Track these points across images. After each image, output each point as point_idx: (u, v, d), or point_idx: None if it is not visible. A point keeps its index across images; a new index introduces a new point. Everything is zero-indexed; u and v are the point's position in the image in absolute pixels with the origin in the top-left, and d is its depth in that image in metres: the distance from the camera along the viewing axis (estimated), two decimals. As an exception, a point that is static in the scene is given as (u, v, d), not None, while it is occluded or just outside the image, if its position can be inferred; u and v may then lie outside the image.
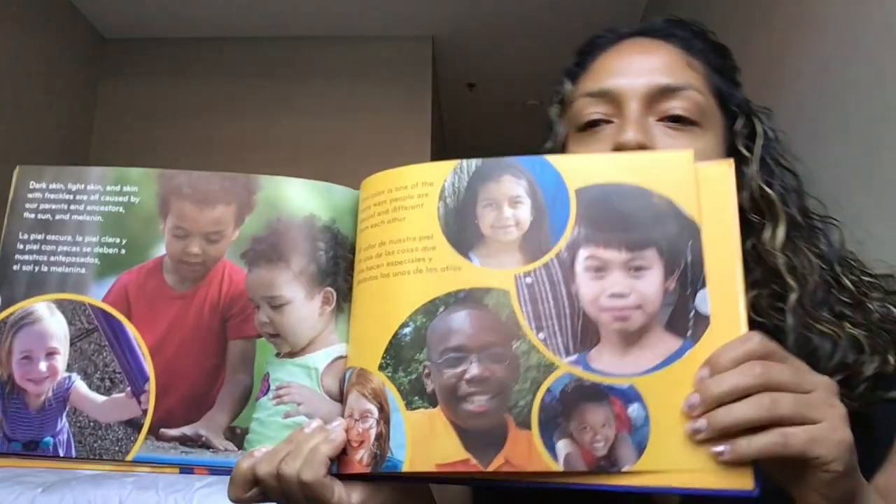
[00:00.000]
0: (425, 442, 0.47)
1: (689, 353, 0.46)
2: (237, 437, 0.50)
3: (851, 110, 1.65)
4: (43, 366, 0.51)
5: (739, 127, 0.65)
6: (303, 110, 3.79)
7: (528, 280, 0.49)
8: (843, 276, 0.61)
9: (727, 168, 0.49)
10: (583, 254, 0.48)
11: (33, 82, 3.45)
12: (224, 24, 3.82)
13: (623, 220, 0.48)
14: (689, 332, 0.46)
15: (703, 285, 0.47)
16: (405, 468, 0.47)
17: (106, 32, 3.92)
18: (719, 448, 0.42)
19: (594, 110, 0.64)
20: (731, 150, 0.64)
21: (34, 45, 3.44)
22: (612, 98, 0.63)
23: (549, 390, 0.47)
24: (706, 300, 0.47)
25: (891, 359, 0.55)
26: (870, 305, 0.58)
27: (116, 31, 3.90)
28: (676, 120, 0.61)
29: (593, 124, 0.64)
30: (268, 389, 0.51)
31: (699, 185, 0.48)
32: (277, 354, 0.51)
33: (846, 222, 0.67)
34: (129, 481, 1.92)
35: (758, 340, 0.44)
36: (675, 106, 0.61)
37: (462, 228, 0.50)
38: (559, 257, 0.49)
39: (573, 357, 0.47)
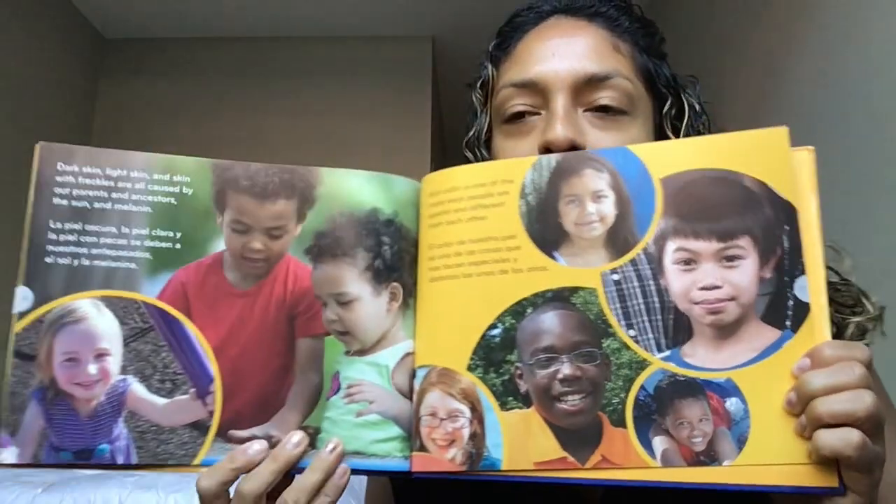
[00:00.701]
0: (522, 441, 0.47)
1: (789, 343, 0.44)
2: (309, 436, 0.48)
3: (852, 109, 1.65)
4: (93, 368, 0.47)
5: (667, 108, 0.63)
6: (303, 110, 3.77)
7: (616, 277, 0.48)
8: None
9: (808, 154, 0.47)
10: (671, 246, 0.47)
11: (33, 82, 3.41)
12: (224, 24, 3.79)
13: (713, 208, 0.46)
14: (788, 322, 0.44)
15: (803, 272, 0.45)
16: (504, 466, 0.47)
17: (106, 32, 3.87)
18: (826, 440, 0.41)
19: (519, 101, 0.61)
20: (659, 133, 0.62)
21: (34, 45, 3.40)
22: (537, 89, 0.60)
23: (642, 387, 0.46)
24: (805, 287, 0.44)
25: None
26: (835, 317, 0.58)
27: (116, 31, 3.86)
28: (605, 110, 0.59)
29: (519, 116, 0.61)
30: (338, 388, 0.49)
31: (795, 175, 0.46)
32: (347, 352, 0.50)
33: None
34: (130, 481, 1.90)
35: (863, 351, 0.42)
36: (603, 96, 0.59)
37: (545, 227, 0.49)
38: (646, 251, 0.47)
39: (666, 353, 0.46)
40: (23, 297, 0.47)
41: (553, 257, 0.49)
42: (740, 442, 0.44)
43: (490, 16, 3.61)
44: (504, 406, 0.48)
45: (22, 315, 0.47)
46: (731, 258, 0.46)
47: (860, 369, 0.41)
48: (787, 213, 0.45)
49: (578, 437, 0.46)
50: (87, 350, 0.47)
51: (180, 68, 3.93)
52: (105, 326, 0.48)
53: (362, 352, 0.50)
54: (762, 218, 0.46)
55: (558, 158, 0.50)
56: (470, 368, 0.48)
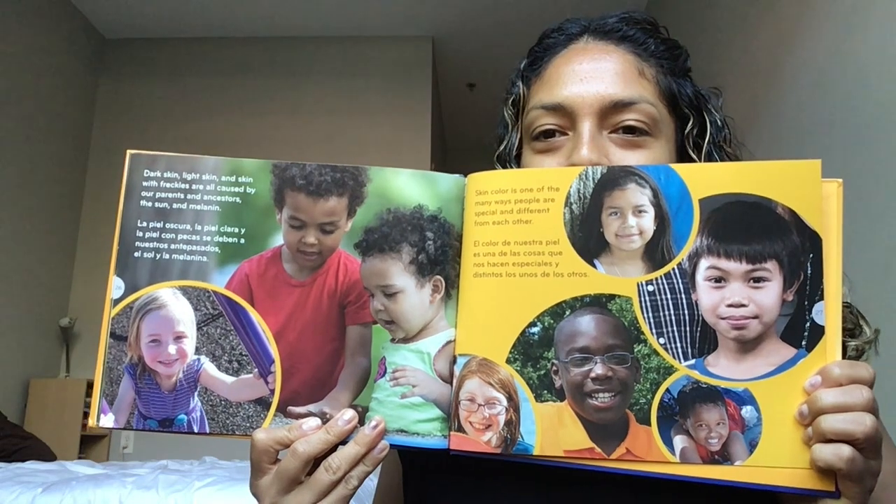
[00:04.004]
0: (554, 431, 0.52)
1: (803, 361, 0.49)
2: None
3: (852, 109, 1.68)
4: (172, 349, 0.54)
5: (689, 128, 0.66)
6: (303, 110, 3.79)
7: (650, 288, 0.52)
8: None
9: (836, 188, 0.51)
10: (704, 264, 0.51)
11: (33, 82, 3.43)
12: (224, 24, 3.81)
13: (745, 232, 0.50)
14: (804, 343, 0.49)
15: (821, 297, 0.50)
16: (536, 452, 0.52)
17: (106, 32, 3.90)
18: (827, 452, 0.46)
19: (548, 121, 0.65)
20: (681, 152, 0.66)
21: (34, 45, 3.42)
22: (565, 112, 0.64)
23: (667, 391, 0.51)
24: (822, 312, 0.49)
25: None
26: None
27: (116, 31, 3.89)
28: (629, 131, 0.62)
29: (547, 134, 0.65)
30: (385, 372, 0.54)
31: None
32: (392, 340, 0.54)
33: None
34: (130, 481, 1.92)
35: (868, 370, 0.48)
36: (628, 118, 0.62)
37: (587, 236, 0.53)
38: (680, 267, 0.51)
39: (691, 361, 0.51)
40: (117, 286, 0.55)
41: (593, 265, 0.52)
42: (752, 445, 0.49)
43: (490, 16, 3.66)
44: (539, 398, 0.52)
45: (115, 302, 0.55)
46: (758, 280, 0.50)
47: (867, 393, 0.46)
48: (812, 242, 0.50)
49: (606, 430, 0.51)
50: (168, 332, 0.54)
51: (180, 68, 3.96)
52: (182, 312, 0.55)
53: (406, 339, 0.54)
54: (790, 245, 0.50)
55: (604, 171, 0.54)
56: (509, 361, 0.53)
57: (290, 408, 0.53)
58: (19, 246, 3.33)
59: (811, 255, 0.50)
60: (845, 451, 0.45)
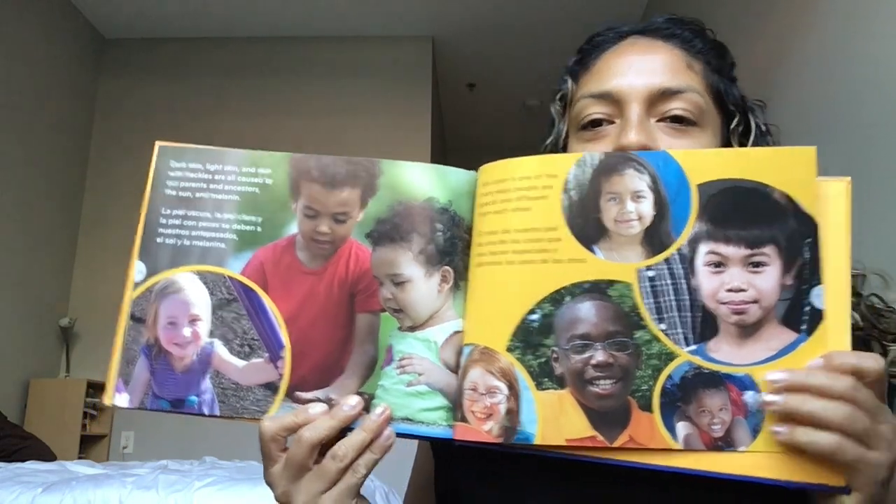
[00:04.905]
0: (555, 419, 0.51)
1: (803, 346, 0.49)
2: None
3: (852, 108, 1.69)
4: (187, 331, 0.55)
5: (734, 125, 0.67)
6: (303, 110, 3.80)
7: (650, 273, 0.51)
8: None
9: (845, 186, 0.51)
10: (703, 249, 0.51)
11: (33, 82, 3.43)
12: (224, 24, 3.82)
13: (743, 217, 0.51)
14: (804, 327, 0.49)
15: (819, 281, 0.50)
16: (537, 441, 0.51)
17: (106, 32, 3.90)
18: (779, 427, 0.47)
19: (596, 110, 0.66)
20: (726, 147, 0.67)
21: (35, 45, 3.42)
22: (613, 100, 0.65)
23: (669, 377, 0.50)
24: (821, 296, 0.49)
25: None
26: None
27: (116, 31, 3.90)
28: (677, 120, 0.63)
29: (595, 123, 0.66)
30: (392, 360, 0.55)
31: (819, 199, 0.51)
32: (400, 328, 0.55)
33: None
34: (130, 481, 1.93)
35: (876, 361, 0.47)
36: (675, 107, 0.63)
37: (586, 222, 0.53)
38: (680, 252, 0.51)
39: (693, 347, 0.50)
40: (139, 269, 0.57)
41: (592, 251, 0.52)
42: (755, 431, 0.49)
43: (490, 16, 3.67)
44: (540, 386, 0.51)
45: (137, 285, 0.56)
46: (757, 264, 0.50)
47: (851, 382, 0.45)
48: (808, 227, 0.50)
49: (608, 418, 0.50)
50: (184, 315, 0.56)
51: (180, 68, 3.96)
52: (198, 296, 0.56)
53: (414, 328, 0.55)
54: (787, 229, 0.50)
55: (601, 157, 0.54)
56: (509, 349, 0.52)
57: (297, 393, 0.54)
58: (19, 246, 3.33)
59: (808, 240, 0.50)
60: (819, 435, 0.45)
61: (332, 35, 3.86)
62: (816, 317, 0.49)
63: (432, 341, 0.55)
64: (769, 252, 0.50)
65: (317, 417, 0.52)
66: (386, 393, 0.54)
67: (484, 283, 0.55)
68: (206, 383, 0.55)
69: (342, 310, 0.55)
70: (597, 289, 0.52)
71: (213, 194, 0.57)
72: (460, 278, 0.56)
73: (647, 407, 0.50)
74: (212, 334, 0.56)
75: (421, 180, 0.57)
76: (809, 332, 0.49)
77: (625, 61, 0.67)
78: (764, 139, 0.69)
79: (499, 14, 3.52)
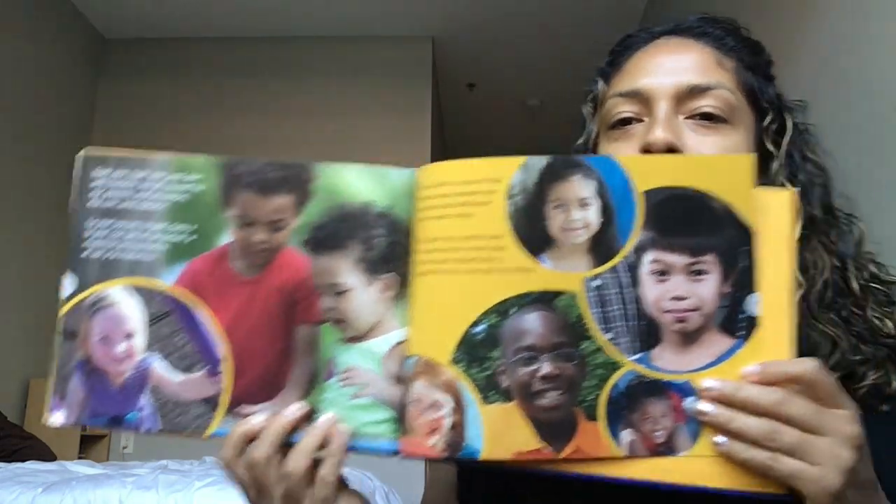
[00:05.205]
0: (502, 433, 0.50)
1: (740, 352, 0.50)
2: (309, 414, 0.52)
3: (856, 107, 1.67)
4: (122, 347, 0.54)
5: (768, 123, 0.66)
6: (303, 110, 3.79)
7: (597, 283, 0.51)
8: (853, 278, 0.62)
9: (789, 196, 0.52)
10: (648, 257, 0.51)
11: (33, 82, 3.44)
12: (224, 24, 3.82)
13: (686, 225, 0.51)
14: (741, 333, 0.50)
15: (755, 289, 0.50)
16: (483, 456, 0.50)
17: (106, 32, 3.91)
18: (719, 438, 0.48)
19: (624, 109, 0.66)
20: (759, 146, 0.66)
21: (34, 45, 3.43)
22: (642, 98, 0.65)
23: (615, 386, 0.50)
24: (756, 303, 0.50)
25: (892, 377, 0.57)
26: (869, 314, 0.60)
27: (116, 31, 3.90)
28: (706, 118, 0.63)
29: (624, 122, 0.66)
30: (334, 372, 0.53)
31: (762, 210, 0.51)
32: (342, 339, 0.53)
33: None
34: (130, 481, 1.93)
35: (806, 364, 0.47)
36: (705, 104, 0.63)
37: (532, 229, 0.51)
38: (626, 260, 0.51)
39: (637, 356, 0.50)
40: (69, 283, 0.55)
41: (538, 259, 0.51)
42: (694, 436, 0.49)
43: (490, 16, 3.64)
44: (486, 399, 0.50)
45: (67, 299, 0.55)
46: (698, 272, 0.50)
47: (778, 396, 0.46)
48: (745, 235, 0.50)
49: (555, 429, 0.50)
50: (117, 331, 0.54)
51: (180, 68, 3.96)
52: (132, 310, 0.54)
53: (356, 338, 0.53)
54: (726, 238, 0.50)
55: (548, 161, 0.52)
56: (454, 362, 0.51)
57: (238, 407, 0.53)
58: (19, 246, 3.35)
59: (745, 248, 0.50)
60: (752, 451, 0.46)
61: (332, 35, 3.85)
62: (752, 324, 0.50)
63: (376, 352, 0.53)
64: (710, 260, 0.50)
65: (258, 426, 0.51)
66: (330, 406, 0.52)
67: (427, 293, 0.53)
68: (145, 399, 0.54)
69: (281, 321, 0.53)
70: (543, 299, 0.51)
71: (142, 203, 0.55)
72: (403, 285, 0.54)
73: (592, 416, 0.50)
74: (148, 349, 0.54)
75: (358, 183, 0.54)
76: (746, 338, 0.50)
77: (654, 60, 0.67)
78: (802, 138, 0.68)
79: (499, 14, 3.50)
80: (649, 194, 0.51)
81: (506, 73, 4.08)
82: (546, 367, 0.50)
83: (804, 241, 0.61)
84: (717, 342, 0.50)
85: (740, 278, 0.50)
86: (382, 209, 0.54)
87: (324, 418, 0.52)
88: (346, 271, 0.54)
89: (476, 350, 0.51)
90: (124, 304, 0.54)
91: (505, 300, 0.51)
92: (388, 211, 0.54)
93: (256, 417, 0.52)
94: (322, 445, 0.51)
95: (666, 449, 0.49)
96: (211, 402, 0.53)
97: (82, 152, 0.57)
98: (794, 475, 0.45)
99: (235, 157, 0.56)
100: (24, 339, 3.46)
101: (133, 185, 0.56)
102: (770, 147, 0.65)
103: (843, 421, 0.46)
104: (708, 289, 0.50)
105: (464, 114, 4.59)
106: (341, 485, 0.54)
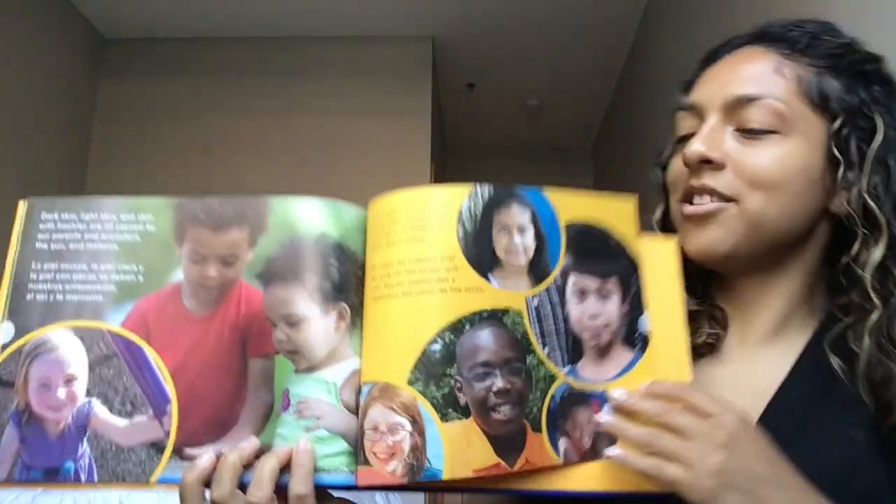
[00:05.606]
0: (462, 450, 0.51)
1: (639, 363, 0.57)
2: (261, 452, 0.51)
3: None
4: (61, 393, 0.52)
5: (838, 127, 0.62)
6: (303, 110, 3.79)
7: (536, 302, 0.56)
8: None
9: (672, 246, 0.61)
10: (571, 280, 0.58)
11: (33, 82, 3.45)
12: (224, 24, 3.82)
13: (595, 254, 0.59)
14: (638, 346, 0.58)
15: (644, 309, 0.59)
16: (445, 476, 0.50)
17: (106, 32, 3.91)
18: (611, 451, 0.53)
19: (683, 125, 0.67)
20: (830, 152, 0.62)
21: (34, 45, 3.44)
22: (696, 111, 0.66)
23: (552, 397, 0.55)
24: (647, 321, 0.59)
25: None
26: None
27: (116, 31, 3.90)
28: (750, 130, 0.62)
29: (685, 138, 0.66)
30: (288, 405, 0.52)
31: (648, 257, 0.60)
32: (296, 370, 0.53)
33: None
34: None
35: (684, 389, 0.54)
36: (750, 117, 0.62)
37: (480, 251, 0.54)
38: (556, 282, 0.57)
39: (567, 368, 0.56)
40: (6, 330, 0.53)
41: (488, 279, 0.54)
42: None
43: (490, 16, 3.62)
44: (444, 418, 0.50)
45: (4, 347, 0.53)
46: (605, 294, 0.58)
47: (660, 408, 0.52)
48: (633, 265, 0.60)
49: (508, 443, 0.52)
50: (58, 376, 0.52)
51: (180, 68, 3.96)
52: (73, 354, 0.52)
53: (311, 369, 0.53)
54: (622, 266, 0.59)
55: (491, 191, 0.56)
56: (410, 382, 0.51)
57: (186, 449, 0.51)
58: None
59: (635, 276, 0.59)
60: (626, 456, 0.52)
61: (331, 35, 3.84)
62: (646, 338, 0.58)
63: (331, 382, 0.53)
64: (613, 284, 0.59)
65: (208, 466, 0.50)
66: (284, 441, 0.51)
67: (379, 317, 0.54)
68: (84, 447, 0.51)
69: (234, 356, 0.53)
70: (494, 316, 0.53)
71: (90, 244, 0.54)
72: (356, 315, 0.54)
73: (537, 428, 0.53)
74: (89, 393, 0.52)
75: (313, 216, 0.55)
76: (642, 350, 0.58)
77: (714, 72, 0.67)
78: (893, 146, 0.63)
79: (499, 14, 3.48)
80: (570, 226, 0.59)
81: (506, 73, 4.06)
82: (499, 382, 0.52)
83: (886, 265, 0.59)
84: (623, 355, 0.57)
85: (634, 300, 0.59)
86: (336, 240, 0.54)
87: (280, 447, 0.51)
88: (301, 301, 0.53)
89: (433, 367, 0.51)
90: (66, 347, 0.52)
91: (459, 318, 0.52)
92: (342, 242, 0.55)
93: (202, 459, 0.50)
94: (282, 468, 0.50)
95: (592, 454, 0.54)
96: (156, 447, 0.51)
97: (27, 201, 0.56)
98: (673, 480, 0.49)
99: (189, 196, 0.55)
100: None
101: (82, 227, 0.55)
102: (836, 153, 0.61)
103: (712, 427, 0.50)
104: (613, 308, 0.58)
105: (464, 114, 4.57)
106: (324, 495, 0.54)
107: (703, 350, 0.65)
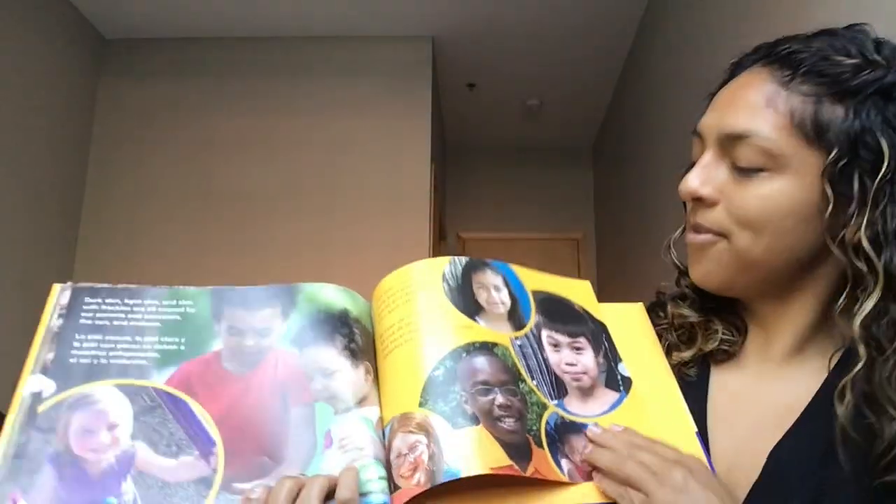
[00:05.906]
0: (476, 451, 0.55)
1: (625, 402, 0.65)
2: None
3: None
4: (105, 437, 0.52)
5: (832, 159, 0.58)
6: (303, 110, 3.79)
7: (519, 343, 0.63)
8: None
9: (639, 307, 0.73)
10: (544, 333, 0.66)
11: (34, 82, 3.44)
12: (224, 24, 3.80)
13: (563, 317, 0.68)
14: (621, 388, 0.65)
15: (620, 360, 0.68)
16: (464, 473, 0.53)
17: (106, 32, 3.90)
18: (595, 476, 0.57)
19: (694, 150, 0.68)
20: (830, 183, 0.58)
21: (34, 45, 3.43)
22: (702, 138, 0.66)
23: (547, 422, 0.60)
24: (625, 368, 0.67)
25: None
26: None
27: (116, 31, 3.89)
28: (739, 169, 0.62)
29: (694, 164, 0.67)
30: (331, 443, 0.55)
31: (618, 318, 0.70)
32: (335, 412, 0.57)
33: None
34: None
35: (627, 439, 0.59)
36: (740, 156, 0.61)
37: (465, 301, 0.64)
38: (532, 332, 0.65)
39: (555, 401, 0.62)
40: (46, 386, 0.54)
41: (476, 321, 0.62)
42: None
43: (490, 16, 3.62)
44: (456, 426, 0.55)
45: (44, 399, 0.53)
46: (578, 348, 0.67)
47: (621, 439, 0.58)
48: (601, 328, 0.70)
49: (517, 450, 0.56)
50: (101, 423, 0.53)
51: (180, 68, 3.94)
52: (117, 405, 0.54)
53: (349, 409, 0.57)
54: (589, 327, 0.69)
55: (465, 261, 0.67)
56: (421, 405, 0.57)
57: (234, 484, 0.52)
58: (18, 246, 3.36)
59: (604, 335, 0.69)
60: (601, 481, 0.57)
61: (331, 35, 3.82)
62: (627, 382, 0.66)
63: (369, 418, 0.57)
64: (583, 340, 0.68)
65: (262, 498, 0.50)
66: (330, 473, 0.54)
67: (389, 368, 0.60)
68: (127, 485, 0.51)
69: (275, 406, 0.56)
70: (485, 347, 0.61)
71: (133, 322, 0.58)
72: (375, 378, 0.60)
73: (539, 444, 0.57)
74: (133, 437, 0.53)
75: (335, 297, 0.63)
76: (626, 391, 0.65)
77: (721, 97, 0.66)
78: None
79: (499, 14, 3.48)
80: (535, 293, 0.69)
81: (506, 73, 4.06)
82: (500, 398, 0.58)
83: (878, 313, 0.55)
84: (607, 395, 0.64)
85: (608, 353, 0.68)
86: (355, 316, 0.63)
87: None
88: (334, 357, 0.59)
89: (439, 387, 0.57)
90: (110, 401, 0.54)
91: (456, 348, 0.60)
92: (359, 318, 0.63)
93: (257, 491, 0.51)
94: (329, 494, 0.51)
95: (589, 476, 0.59)
96: (204, 482, 0.52)
97: (70, 289, 0.58)
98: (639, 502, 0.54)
99: (225, 286, 0.62)
100: (25, 339, 3.47)
101: (125, 308, 0.59)
102: (827, 190, 0.58)
103: (660, 462, 0.55)
104: (587, 359, 0.66)
105: (464, 114, 4.57)
106: None
107: (719, 356, 0.69)
